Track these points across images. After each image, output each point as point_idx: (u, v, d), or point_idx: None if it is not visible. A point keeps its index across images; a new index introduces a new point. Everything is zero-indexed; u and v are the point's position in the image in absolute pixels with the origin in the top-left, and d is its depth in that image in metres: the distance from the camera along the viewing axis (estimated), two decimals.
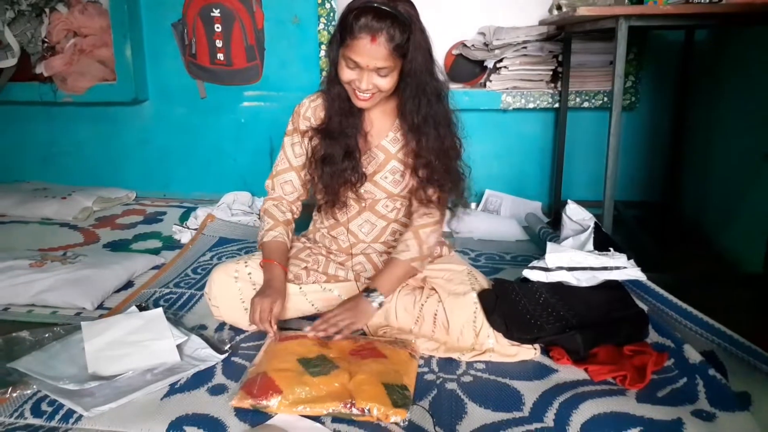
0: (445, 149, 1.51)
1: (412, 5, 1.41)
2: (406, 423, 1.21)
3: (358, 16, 1.34)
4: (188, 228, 2.54)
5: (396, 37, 1.35)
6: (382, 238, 1.65)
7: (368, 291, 1.51)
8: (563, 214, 1.94)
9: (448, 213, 1.62)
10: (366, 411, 1.21)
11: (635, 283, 1.66)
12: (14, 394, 1.31)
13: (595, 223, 1.84)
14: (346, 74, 1.42)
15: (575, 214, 1.91)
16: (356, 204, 1.61)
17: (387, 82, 1.42)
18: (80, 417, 1.23)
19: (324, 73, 2.82)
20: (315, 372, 1.30)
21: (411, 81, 1.44)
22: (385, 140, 1.58)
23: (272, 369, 1.32)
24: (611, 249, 1.65)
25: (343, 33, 1.37)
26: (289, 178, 1.62)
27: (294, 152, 1.61)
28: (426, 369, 1.43)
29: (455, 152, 1.54)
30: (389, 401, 1.22)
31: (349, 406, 1.22)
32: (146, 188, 3.17)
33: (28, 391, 1.32)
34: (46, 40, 3.00)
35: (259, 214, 2.81)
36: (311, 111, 1.58)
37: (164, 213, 2.85)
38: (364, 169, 1.56)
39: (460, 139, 1.55)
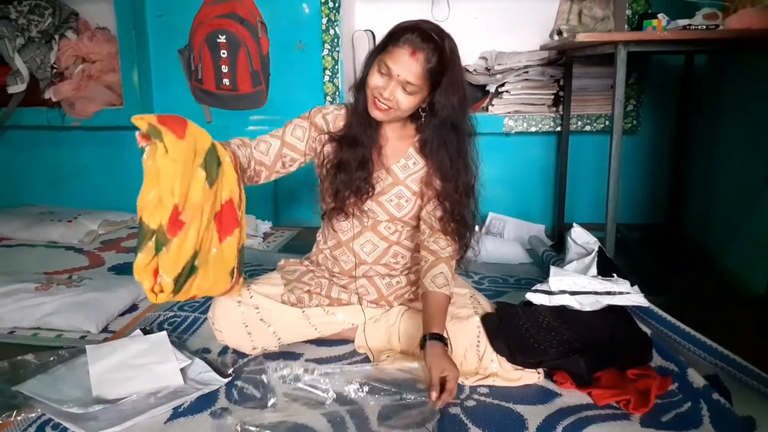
0: (471, 188, 1.57)
1: (456, 45, 1.46)
2: None
3: (407, 29, 1.41)
4: None
5: (432, 62, 1.40)
6: (383, 260, 1.65)
7: (440, 339, 1.39)
8: (568, 238, 1.95)
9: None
10: None
11: (639, 306, 1.66)
12: (19, 418, 1.31)
13: (600, 247, 1.84)
14: (374, 79, 1.44)
15: (580, 237, 1.92)
16: (359, 223, 1.62)
17: (408, 102, 1.44)
18: None
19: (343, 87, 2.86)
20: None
21: (444, 114, 1.47)
22: (396, 165, 1.59)
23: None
24: (614, 275, 1.66)
25: (388, 41, 1.43)
26: (271, 141, 1.56)
27: (293, 132, 1.57)
28: None
29: (473, 192, 1.59)
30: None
31: None
32: None
33: (33, 415, 1.32)
34: (55, 66, 3.05)
35: (262, 236, 2.84)
36: (332, 117, 1.58)
37: None
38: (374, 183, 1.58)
39: (475, 177, 1.59)
